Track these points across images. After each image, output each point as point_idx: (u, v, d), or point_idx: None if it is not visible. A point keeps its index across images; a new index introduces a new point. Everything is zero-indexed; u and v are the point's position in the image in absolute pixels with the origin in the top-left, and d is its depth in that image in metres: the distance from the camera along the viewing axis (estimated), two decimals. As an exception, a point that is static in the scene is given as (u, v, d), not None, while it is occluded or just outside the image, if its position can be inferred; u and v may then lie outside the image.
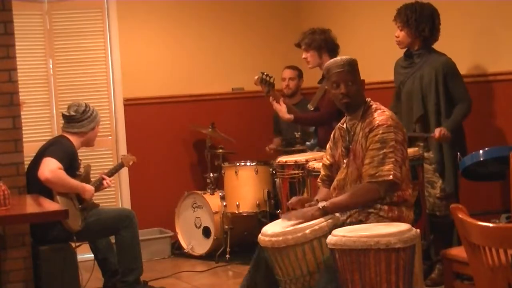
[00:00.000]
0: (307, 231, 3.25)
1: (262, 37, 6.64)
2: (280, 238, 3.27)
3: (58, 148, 4.46)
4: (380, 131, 3.37)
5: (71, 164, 4.49)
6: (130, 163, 5.26)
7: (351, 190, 3.40)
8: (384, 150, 3.34)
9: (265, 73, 4.83)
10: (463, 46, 4.84)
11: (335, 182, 3.57)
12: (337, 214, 3.37)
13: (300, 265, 3.28)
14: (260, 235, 3.40)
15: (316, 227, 3.26)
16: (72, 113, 4.61)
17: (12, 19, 4.32)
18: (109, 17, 6.14)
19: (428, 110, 4.48)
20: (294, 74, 6.01)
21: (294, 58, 6.32)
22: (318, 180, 3.79)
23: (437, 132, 4.35)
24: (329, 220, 3.30)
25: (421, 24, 4.47)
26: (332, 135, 3.71)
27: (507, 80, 4.67)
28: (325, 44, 4.82)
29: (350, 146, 3.49)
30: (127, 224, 4.68)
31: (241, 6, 6.58)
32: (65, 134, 4.63)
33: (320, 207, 3.35)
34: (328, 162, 3.69)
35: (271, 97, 4.84)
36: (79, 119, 4.62)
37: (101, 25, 6.12)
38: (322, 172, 3.74)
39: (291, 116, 4.74)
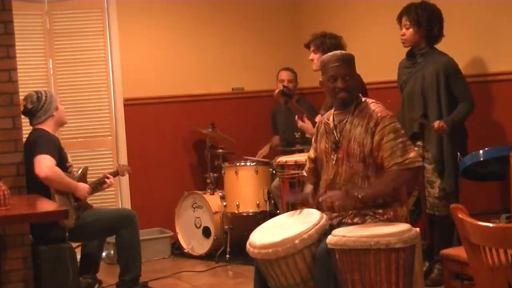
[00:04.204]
0: (296, 241, 3.20)
1: (262, 38, 6.64)
2: (270, 251, 3.22)
3: (45, 143, 4.43)
4: (387, 122, 3.36)
5: (59, 155, 4.49)
6: (125, 173, 5.27)
7: (382, 178, 3.32)
8: (401, 139, 3.33)
9: (286, 87, 5.01)
10: (464, 46, 4.84)
11: (322, 181, 3.52)
12: (324, 221, 3.32)
13: (293, 275, 3.25)
14: (248, 245, 3.35)
15: (305, 236, 3.21)
16: (30, 106, 4.56)
17: (12, 19, 4.32)
18: (109, 17, 6.14)
19: (429, 110, 4.48)
20: (292, 76, 6.00)
21: (294, 58, 6.34)
22: (304, 171, 3.79)
23: (436, 123, 4.35)
24: (318, 227, 3.26)
25: (431, 23, 4.47)
26: (316, 129, 3.69)
27: (507, 80, 4.67)
28: (334, 48, 4.80)
29: (339, 144, 3.44)
30: (127, 223, 4.68)
31: (241, 6, 6.57)
32: (38, 127, 4.61)
33: (360, 197, 3.27)
34: (313, 156, 3.68)
35: (293, 109, 4.89)
36: (39, 107, 4.57)
37: (101, 25, 6.12)
38: (308, 165, 3.73)
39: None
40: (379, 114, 3.38)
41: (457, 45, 4.73)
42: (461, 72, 4.50)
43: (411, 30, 4.53)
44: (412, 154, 3.33)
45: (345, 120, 3.47)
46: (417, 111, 4.52)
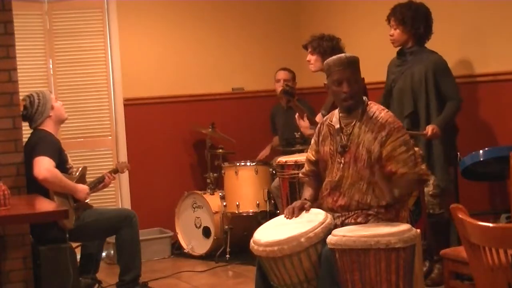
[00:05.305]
0: (302, 239, 3.19)
1: (262, 38, 6.64)
2: (275, 248, 3.21)
3: (45, 144, 4.42)
4: (400, 134, 3.38)
5: (60, 157, 4.48)
6: (124, 171, 5.27)
7: (398, 183, 3.31)
8: (411, 152, 3.36)
9: (288, 85, 5.00)
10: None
11: (327, 183, 3.52)
12: (329, 220, 3.32)
13: (297, 273, 3.24)
14: (252, 243, 3.33)
15: (311, 234, 3.21)
16: (25, 112, 4.54)
17: (12, 19, 4.32)
18: (109, 17, 6.14)
19: (418, 107, 4.54)
20: (289, 76, 6.01)
21: (294, 58, 6.33)
22: (301, 174, 3.76)
23: (429, 130, 4.38)
24: (323, 226, 3.26)
25: (416, 22, 4.55)
26: (317, 130, 3.66)
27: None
28: (331, 51, 4.81)
29: (347, 148, 3.44)
30: (127, 223, 4.68)
31: (242, 6, 6.58)
32: (38, 128, 4.59)
33: (396, 195, 3.28)
34: (313, 158, 3.65)
35: (294, 108, 4.89)
36: (33, 111, 4.55)
37: (101, 25, 6.12)
38: (307, 168, 3.70)
39: (312, 131, 4.75)
40: (391, 126, 3.38)
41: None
42: (450, 70, 4.56)
43: (398, 30, 4.62)
44: (423, 167, 3.40)
45: (352, 124, 3.46)
46: (406, 108, 4.57)
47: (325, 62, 3.57)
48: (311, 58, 4.98)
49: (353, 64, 3.47)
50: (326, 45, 4.90)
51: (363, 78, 3.55)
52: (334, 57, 3.53)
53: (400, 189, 3.32)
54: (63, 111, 4.72)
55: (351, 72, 3.45)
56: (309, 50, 4.99)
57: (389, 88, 4.73)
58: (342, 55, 3.56)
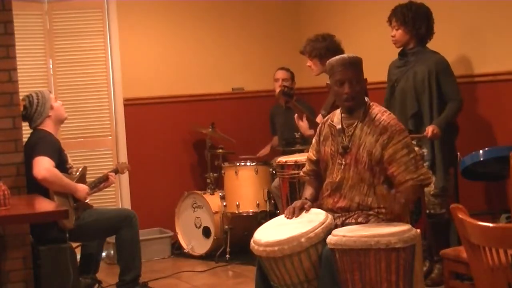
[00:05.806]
0: (302, 239, 3.19)
1: (262, 38, 6.64)
2: (276, 248, 3.21)
3: (44, 144, 4.42)
4: (402, 137, 3.37)
5: (59, 158, 4.48)
6: (125, 171, 5.27)
7: (404, 192, 3.27)
8: (412, 155, 3.35)
9: (286, 86, 5.01)
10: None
11: (327, 183, 3.52)
12: (330, 220, 3.33)
13: (297, 273, 3.24)
14: (252, 243, 3.33)
15: (312, 234, 3.21)
16: (24, 112, 4.53)
17: (12, 19, 4.32)
18: (109, 17, 6.14)
19: (421, 107, 4.54)
20: (288, 76, 6.01)
21: (294, 58, 6.32)
22: (302, 173, 3.76)
23: (429, 131, 4.39)
24: (324, 226, 3.26)
25: (417, 22, 4.56)
26: (318, 130, 3.65)
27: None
28: (327, 51, 4.82)
29: (348, 150, 3.44)
30: (127, 223, 4.68)
31: (241, 6, 6.58)
32: (38, 128, 4.59)
33: (403, 202, 3.22)
34: (314, 158, 3.65)
35: (294, 108, 4.89)
36: (33, 111, 4.55)
37: (101, 25, 6.12)
38: (308, 167, 3.70)
39: (312, 132, 4.75)
40: (393, 128, 3.38)
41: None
42: (451, 71, 4.57)
43: (400, 31, 4.63)
44: (423, 170, 3.39)
45: (354, 125, 3.46)
46: (409, 109, 4.57)
47: (328, 62, 3.56)
48: (310, 63, 4.99)
49: (355, 64, 3.47)
50: (320, 46, 4.90)
51: (366, 79, 3.55)
52: (337, 57, 3.53)
53: (406, 199, 3.28)
54: (63, 110, 4.72)
55: (353, 72, 3.44)
56: (307, 55, 4.99)
57: (392, 89, 4.72)
58: (345, 55, 3.55)
